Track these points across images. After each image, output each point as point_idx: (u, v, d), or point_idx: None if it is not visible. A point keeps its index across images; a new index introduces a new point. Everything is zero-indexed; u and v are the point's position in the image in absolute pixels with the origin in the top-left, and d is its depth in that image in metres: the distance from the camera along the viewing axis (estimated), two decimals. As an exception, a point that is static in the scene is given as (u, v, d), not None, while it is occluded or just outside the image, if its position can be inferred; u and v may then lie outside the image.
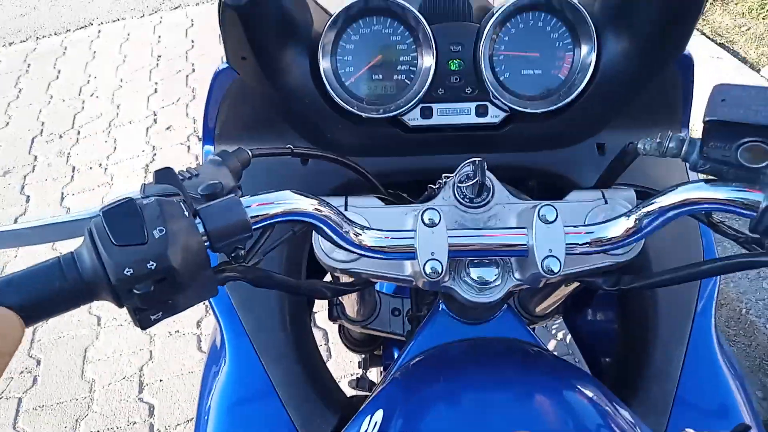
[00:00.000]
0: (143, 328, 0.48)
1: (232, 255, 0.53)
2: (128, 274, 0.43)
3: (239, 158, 0.62)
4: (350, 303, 0.96)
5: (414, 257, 0.54)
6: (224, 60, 0.79)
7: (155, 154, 2.91)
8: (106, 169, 2.87)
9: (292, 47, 0.74)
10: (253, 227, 0.50)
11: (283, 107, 0.80)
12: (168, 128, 3.05)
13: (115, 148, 2.99)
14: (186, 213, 0.46)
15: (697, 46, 2.94)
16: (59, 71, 3.62)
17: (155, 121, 3.12)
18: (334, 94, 0.74)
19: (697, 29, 3.08)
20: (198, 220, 0.47)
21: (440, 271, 0.53)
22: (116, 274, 0.43)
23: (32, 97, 3.43)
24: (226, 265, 0.55)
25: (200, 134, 2.95)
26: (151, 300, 0.45)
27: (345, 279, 0.71)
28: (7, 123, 3.25)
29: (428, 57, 0.75)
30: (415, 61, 0.76)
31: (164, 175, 0.53)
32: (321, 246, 0.62)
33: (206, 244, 0.47)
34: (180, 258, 0.44)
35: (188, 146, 2.93)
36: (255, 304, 0.76)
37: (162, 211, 0.45)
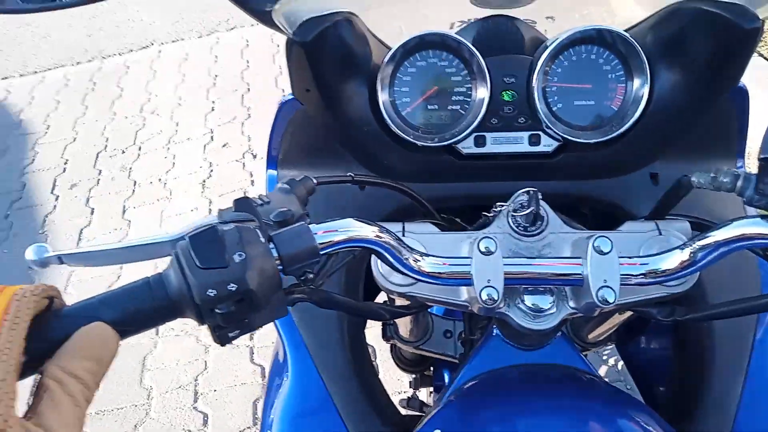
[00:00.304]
0: (222, 344, 0.51)
1: (302, 278, 0.56)
2: (211, 294, 0.46)
3: (305, 186, 0.66)
4: (404, 324, 0.98)
5: (470, 283, 0.56)
6: (287, 91, 0.84)
7: (212, 170, 3.02)
8: (165, 183, 2.99)
9: (352, 80, 0.78)
10: (321, 252, 0.53)
11: (342, 136, 0.84)
12: (224, 145, 3.16)
13: (174, 163, 3.11)
14: (262, 239, 0.50)
15: (756, 67, 2.86)
16: (122, 89, 3.80)
17: (212, 138, 3.24)
18: (391, 124, 0.77)
19: (757, 52, 2.98)
20: (272, 246, 0.50)
21: (496, 298, 0.55)
22: (200, 294, 0.46)
23: (97, 113, 3.61)
24: (295, 287, 0.58)
25: (254, 152, 3.06)
26: (231, 319, 0.49)
27: (400, 301, 0.73)
28: (74, 138, 3.43)
29: (482, 88, 0.77)
30: (469, 92, 0.79)
31: (242, 203, 0.57)
32: (379, 270, 0.65)
33: (279, 267, 0.50)
34: (257, 281, 0.48)
35: (243, 163, 3.02)
36: (315, 322, 0.80)
37: (241, 237, 0.48)
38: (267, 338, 2.15)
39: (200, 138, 3.25)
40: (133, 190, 2.99)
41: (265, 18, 0.80)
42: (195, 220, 0.60)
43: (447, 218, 0.82)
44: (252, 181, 2.91)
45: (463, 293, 0.63)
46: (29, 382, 0.42)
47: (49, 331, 0.43)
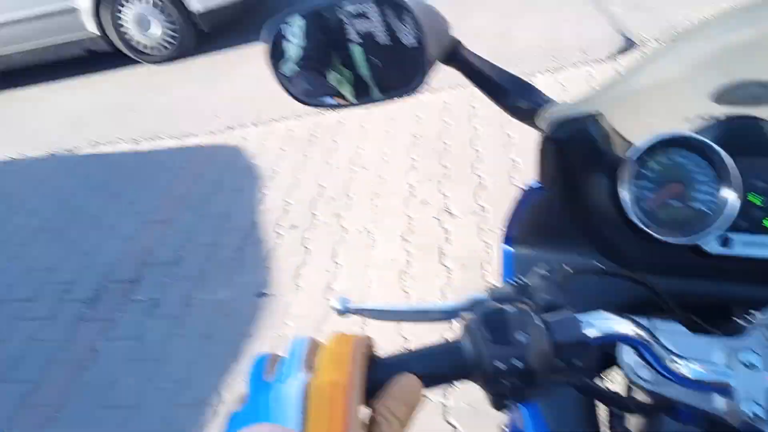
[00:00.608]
0: (498, 409, 0.58)
1: (569, 364, 0.58)
2: (499, 366, 0.53)
3: (562, 274, 0.68)
4: (633, 417, 0.99)
5: (728, 394, 0.57)
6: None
7: (411, 224, 3.26)
8: (369, 232, 3.29)
9: (596, 173, 0.83)
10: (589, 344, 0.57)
11: (583, 223, 0.90)
12: (422, 202, 3.41)
13: (378, 215, 3.42)
14: (540, 323, 0.56)
15: None
16: (336, 143, 4.27)
17: (412, 194, 3.50)
18: (633, 217, 0.79)
19: None
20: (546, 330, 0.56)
21: (763, 417, 0.55)
22: (490, 365, 0.54)
23: (315, 163, 4.09)
24: (560, 371, 0.59)
25: (450, 210, 3.23)
26: (511, 390, 0.55)
27: (640, 395, 0.73)
28: (295, 184, 3.91)
29: (729, 190, 0.76)
30: (714, 192, 0.78)
31: (520, 288, 0.66)
32: (627, 362, 0.67)
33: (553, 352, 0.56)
34: (537, 361, 0.54)
35: (439, 220, 3.22)
36: (554, 398, 0.83)
37: (523, 320, 0.56)
38: (460, 398, 2.24)
39: (401, 193, 3.53)
40: (342, 236, 3.33)
41: (526, 119, 0.92)
42: (468, 294, 0.70)
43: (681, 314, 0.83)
44: (446, 238, 3.09)
45: (717, 402, 0.62)
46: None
47: (372, 374, 0.54)
